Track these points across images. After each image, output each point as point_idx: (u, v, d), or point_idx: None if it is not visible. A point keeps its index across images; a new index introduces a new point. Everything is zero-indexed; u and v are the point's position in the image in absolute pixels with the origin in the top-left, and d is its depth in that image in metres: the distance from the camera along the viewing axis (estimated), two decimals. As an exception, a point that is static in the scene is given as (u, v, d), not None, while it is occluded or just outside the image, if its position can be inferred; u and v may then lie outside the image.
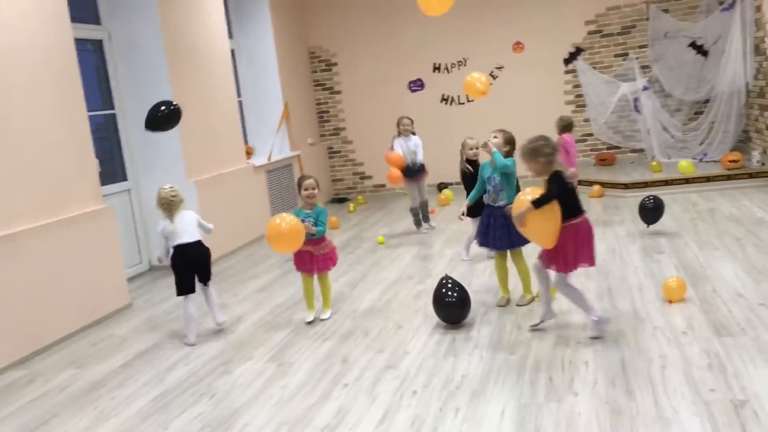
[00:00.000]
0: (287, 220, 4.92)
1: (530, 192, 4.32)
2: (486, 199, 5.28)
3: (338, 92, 11.98)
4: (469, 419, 3.51)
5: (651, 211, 6.86)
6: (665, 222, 7.17)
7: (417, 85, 11.61)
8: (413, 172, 8.03)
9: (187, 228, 5.30)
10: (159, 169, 7.78)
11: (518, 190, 5.45)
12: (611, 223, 7.55)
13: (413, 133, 8.13)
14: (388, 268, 6.81)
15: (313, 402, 3.94)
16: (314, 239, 5.26)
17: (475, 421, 3.47)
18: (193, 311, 5.26)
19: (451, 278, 4.98)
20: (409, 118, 8.17)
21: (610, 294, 5.18)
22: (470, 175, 6.32)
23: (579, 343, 4.33)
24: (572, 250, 4.33)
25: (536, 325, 4.66)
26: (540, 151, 4.30)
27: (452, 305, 4.89)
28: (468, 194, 5.74)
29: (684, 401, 3.41)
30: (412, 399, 3.82)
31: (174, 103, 5.62)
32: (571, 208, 4.34)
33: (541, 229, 4.33)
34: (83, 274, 5.98)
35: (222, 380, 4.45)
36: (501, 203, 5.12)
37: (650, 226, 6.92)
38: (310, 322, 5.33)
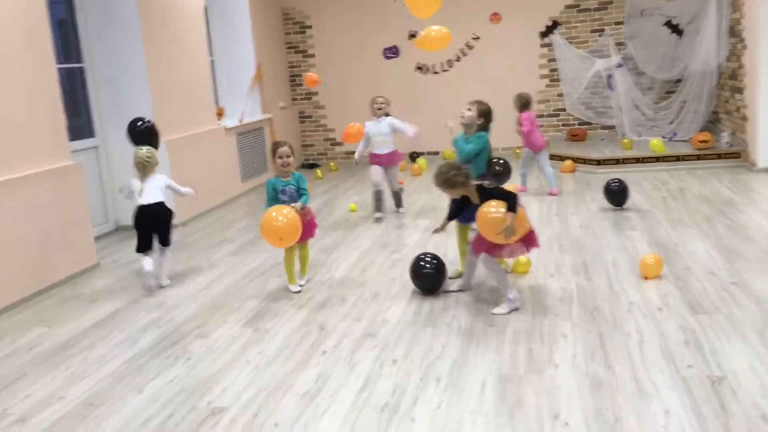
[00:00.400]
0: (284, 214, 4.77)
1: (494, 205, 4.40)
2: None
3: (311, 56, 11.79)
4: (450, 389, 3.51)
5: (616, 194, 6.94)
6: (636, 199, 7.26)
7: (392, 52, 11.47)
8: (378, 156, 7.35)
9: (152, 191, 5.49)
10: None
11: (490, 161, 5.47)
12: (583, 198, 7.61)
13: (387, 114, 7.45)
14: (361, 236, 6.77)
15: (292, 368, 3.91)
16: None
17: (457, 391, 3.48)
18: (149, 267, 5.41)
19: (428, 253, 5.03)
20: (382, 97, 7.51)
21: (586, 269, 5.22)
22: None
23: (557, 315, 4.37)
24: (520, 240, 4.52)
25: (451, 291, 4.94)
26: (453, 181, 4.55)
27: (429, 275, 4.91)
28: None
29: (662, 376, 3.46)
30: (392, 368, 3.81)
31: (148, 120, 6.11)
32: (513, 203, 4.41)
33: (521, 227, 4.47)
34: (50, 231, 5.82)
35: (197, 344, 4.38)
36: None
37: (618, 207, 6.98)
38: (297, 292, 5.23)
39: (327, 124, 11.95)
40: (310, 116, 11.99)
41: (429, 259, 4.96)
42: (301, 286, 5.32)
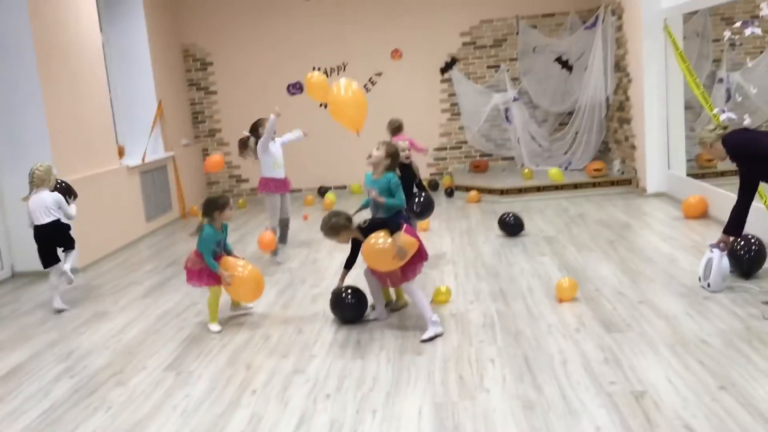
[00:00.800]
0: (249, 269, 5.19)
1: (374, 237, 4.60)
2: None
3: (213, 92, 11.65)
4: (387, 419, 3.52)
5: (511, 227, 7.25)
6: (541, 225, 7.57)
7: (296, 88, 11.51)
8: (278, 181, 7.02)
9: (41, 210, 5.86)
10: (25, 168, 7.09)
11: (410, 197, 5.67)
12: (492, 227, 7.84)
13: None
14: (278, 272, 6.69)
15: (223, 410, 3.80)
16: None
17: (394, 422, 3.49)
18: (55, 281, 5.94)
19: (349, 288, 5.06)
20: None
21: (503, 295, 5.38)
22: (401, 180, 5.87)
23: (482, 341, 4.47)
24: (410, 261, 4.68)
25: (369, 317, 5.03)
26: (338, 227, 4.73)
27: (350, 305, 4.98)
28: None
29: (588, 393, 3.60)
30: (326, 402, 3.78)
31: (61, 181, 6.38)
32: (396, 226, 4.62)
33: (411, 246, 4.66)
34: (-57, 281, 5.43)
35: (116, 392, 4.18)
36: (381, 216, 5.06)
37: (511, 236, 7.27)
38: (218, 332, 5.11)
39: (232, 161, 11.78)
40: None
41: (349, 291, 5.00)
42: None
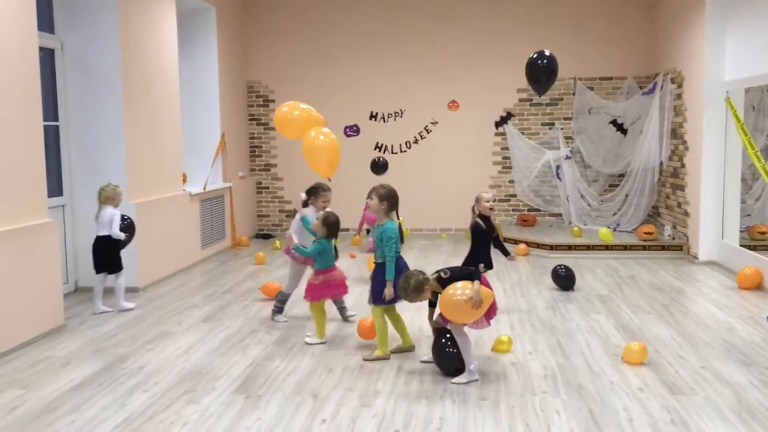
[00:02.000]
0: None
1: (452, 288, 4.67)
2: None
3: (272, 128, 11.99)
4: (459, 460, 3.60)
5: (563, 279, 7.35)
6: (593, 284, 7.63)
7: (353, 130, 11.81)
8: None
9: (102, 223, 6.66)
10: (98, 186, 7.49)
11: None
12: (543, 281, 7.92)
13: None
14: (334, 308, 6.81)
15: (295, 436, 3.92)
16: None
17: (466, 462, 3.57)
18: (98, 288, 6.78)
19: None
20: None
21: (561, 348, 5.45)
22: (482, 232, 6.30)
23: (545, 392, 4.54)
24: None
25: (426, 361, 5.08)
26: (420, 285, 4.74)
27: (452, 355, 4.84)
28: (477, 251, 6.28)
29: (658, 452, 3.65)
30: (396, 438, 3.87)
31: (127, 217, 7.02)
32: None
33: (487, 298, 4.74)
34: (20, 289, 5.66)
35: (189, 409, 4.32)
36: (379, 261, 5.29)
37: (563, 290, 7.40)
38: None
39: (283, 196, 12.07)
40: (268, 187, 12.10)
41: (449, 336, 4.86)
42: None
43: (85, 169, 7.54)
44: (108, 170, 7.47)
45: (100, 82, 7.42)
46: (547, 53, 7.72)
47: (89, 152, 7.53)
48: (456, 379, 4.71)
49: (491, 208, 6.35)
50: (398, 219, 5.75)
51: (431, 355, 5.03)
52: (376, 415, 4.19)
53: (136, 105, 7.74)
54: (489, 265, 6.33)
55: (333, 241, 5.83)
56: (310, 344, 5.61)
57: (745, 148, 7.92)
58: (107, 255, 6.74)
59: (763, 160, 7.63)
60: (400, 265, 5.26)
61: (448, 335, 4.84)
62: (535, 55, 7.74)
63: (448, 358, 4.83)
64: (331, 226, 5.70)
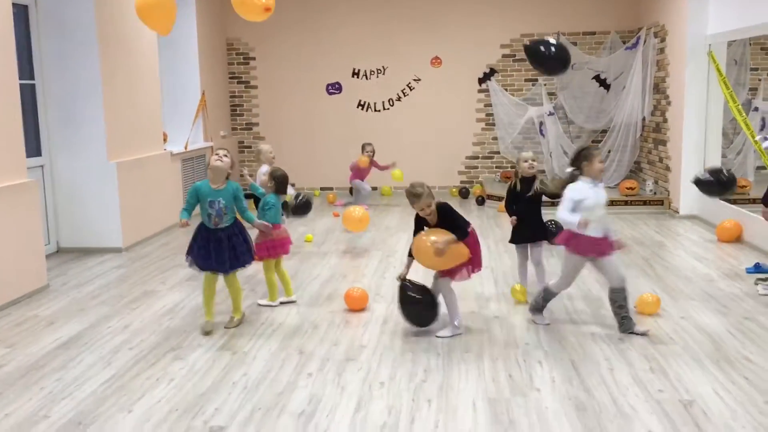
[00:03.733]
0: None
1: (438, 234, 4.63)
2: (206, 221, 5.00)
3: (254, 87, 11.85)
4: (443, 410, 3.66)
5: (553, 235, 7.34)
6: (576, 239, 7.68)
7: (335, 88, 11.70)
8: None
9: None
10: (78, 147, 7.44)
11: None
12: (526, 236, 7.95)
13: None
14: (318, 266, 6.85)
15: (282, 389, 3.96)
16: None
17: (450, 412, 3.63)
18: None
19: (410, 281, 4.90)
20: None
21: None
22: (516, 195, 5.63)
23: (527, 344, 4.60)
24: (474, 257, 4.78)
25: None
26: (423, 191, 4.66)
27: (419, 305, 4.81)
28: (511, 213, 5.70)
29: (638, 400, 3.73)
30: (381, 390, 3.92)
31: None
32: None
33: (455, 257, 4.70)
34: (3, 250, 5.62)
35: (176, 366, 4.35)
36: (224, 225, 4.96)
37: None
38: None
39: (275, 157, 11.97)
40: (250, 147, 12.00)
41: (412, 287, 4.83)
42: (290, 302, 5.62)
43: (64, 129, 7.42)
44: (86, 130, 7.38)
45: (75, 40, 7.27)
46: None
47: (67, 112, 7.41)
48: (441, 333, 4.77)
49: (531, 167, 5.59)
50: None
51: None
52: (362, 369, 4.24)
53: (113, 63, 7.60)
54: (531, 235, 5.65)
55: (282, 197, 5.71)
56: (262, 305, 5.57)
57: (726, 102, 7.95)
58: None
59: (744, 114, 7.67)
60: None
61: (409, 284, 4.82)
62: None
63: (411, 309, 4.82)
64: (278, 180, 5.63)
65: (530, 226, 5.62)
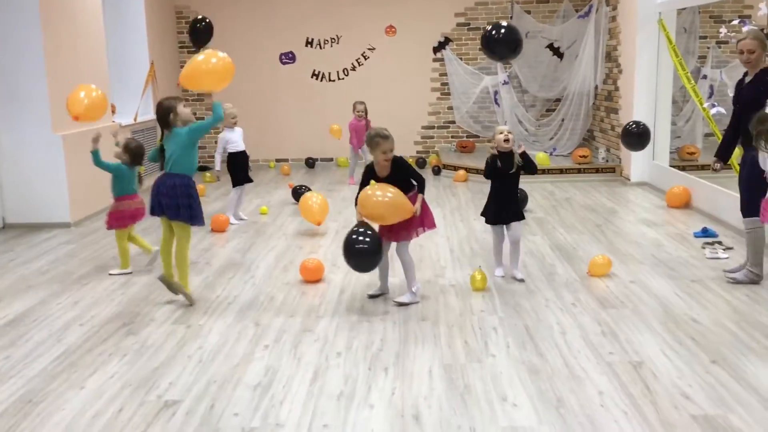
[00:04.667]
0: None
1: (386, 189, 4.59)
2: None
3: (205, 57, 11.57)
4: (400, 377, 3.69)
5: (522, 201, 7.40)
6: (530, 207, 7.77)
7: (288, 57, 11.53)
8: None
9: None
10: (22, 121, 7.22)
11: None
12: (481, 205, 8.00)
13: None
14: (274, 237, 6.80)
15: (237, 361, 3.93)
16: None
17: (407, 379, 3.65)
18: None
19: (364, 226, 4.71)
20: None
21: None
22: (494, 171, 5.28)
23: (483, 311, 4.65)
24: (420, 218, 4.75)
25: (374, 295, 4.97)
26: (385, 135, 4.71)
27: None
28: (492, 193, 5.38)
29: (589, 362, 3.81)
30: (338, 359, 3.93)
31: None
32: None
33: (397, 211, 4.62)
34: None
35: (128, 341, 4.28)
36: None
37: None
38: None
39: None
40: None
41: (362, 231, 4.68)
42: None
43: (7, 104, 7.18)
44: (31, 103, 7.16)
45: (15, 14, 6.99)
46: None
47: (9, 85, 7.16)
48: (399, 298, 4.79)
49: (506, 141, 5.22)
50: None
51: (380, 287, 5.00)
52: (318, 339, 4.23)
53: (56, 34, 7.34)
54: (508, 215, 5.29)
55: (136, 168, 5.77)
56: (114, 275, 5.60)
57: (676, 70, 8.07)
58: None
59: (693, 82, 7.80)
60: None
61: (359, 229, 4.65)
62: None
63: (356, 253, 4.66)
64: (133, 151, 5.65)
65: (507, 205, 5.29)
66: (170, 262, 4.94)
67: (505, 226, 5.34)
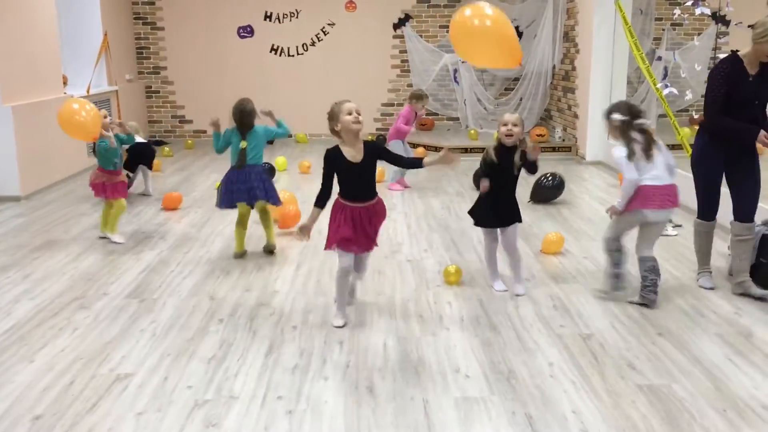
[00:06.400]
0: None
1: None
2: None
3: (161, 29, 11.36)
4: (354, 350, 3.71)
5: (559, 186, 7.40)
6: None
7: (246, 31, 11.37)
8: None
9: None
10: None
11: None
12: (440, 182, 8.08)
13: None
14: (230, 212, 6.72)
15: (192, 335, 3.91)
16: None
17: (361, 353, 3.68)
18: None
19: None
20: None
21: (455, 245, 5.63)
22: (492, 167, 4.45)
23: (438, 286, 4.70)
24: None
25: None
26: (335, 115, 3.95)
27: None
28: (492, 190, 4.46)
29: (541, 335, 3.89)
30: (293, 333, 3.94)
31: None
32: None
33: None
34: None
35: (80, 315, 4.22)
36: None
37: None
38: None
39: (176, 101, 11.59)
40: (158, 91, 11.56)
41: None
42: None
43: (-48, 70, 6.95)
44: (-23, 70, 6.92)
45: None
46: None
47: (-46, 50, 6.93)
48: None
49: (509, 134, 4.33)
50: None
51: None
52: (274, 314, 4.23)
53: (3, 2, 7.10)
54: (504, 218, 4.49)
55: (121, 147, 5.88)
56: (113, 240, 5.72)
57: (631, 51, 8.18)
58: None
59: (648, 63, 7.91)
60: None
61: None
62: None
63: None
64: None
65: (503, 206, 4.49)
66: (244, 238, 5.39)
67: (499, 229, 4.53)
